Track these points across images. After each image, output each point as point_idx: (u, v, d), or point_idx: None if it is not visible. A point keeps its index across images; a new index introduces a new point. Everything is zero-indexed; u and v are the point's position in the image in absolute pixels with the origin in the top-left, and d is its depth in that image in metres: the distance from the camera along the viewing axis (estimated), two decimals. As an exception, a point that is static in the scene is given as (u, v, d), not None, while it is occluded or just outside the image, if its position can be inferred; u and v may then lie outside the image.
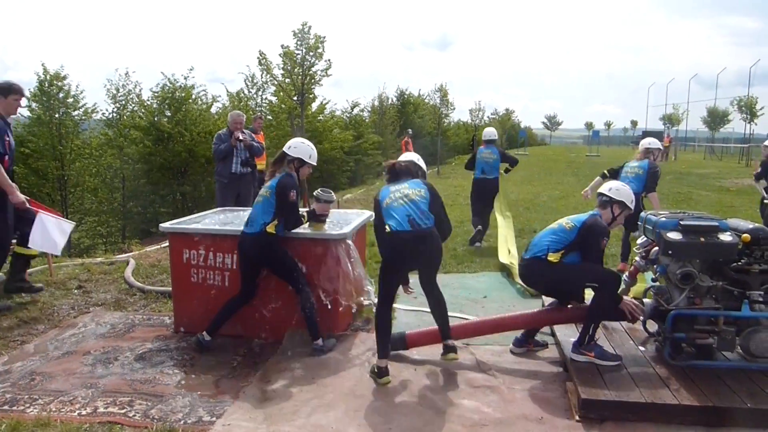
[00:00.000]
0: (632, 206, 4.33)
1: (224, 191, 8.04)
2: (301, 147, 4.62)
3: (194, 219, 5.57)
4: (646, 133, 54.75)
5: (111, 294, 6.12)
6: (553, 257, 4.13)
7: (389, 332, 4.16)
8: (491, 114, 59.22)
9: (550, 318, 4.53)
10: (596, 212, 4.31)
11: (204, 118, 15.59)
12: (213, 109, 18.85)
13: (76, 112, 16.50)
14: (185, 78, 17.38)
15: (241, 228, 4.58)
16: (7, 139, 5.37)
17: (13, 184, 5.37)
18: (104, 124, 17.47)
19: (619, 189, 4.32)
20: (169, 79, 16.77)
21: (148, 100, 17.06)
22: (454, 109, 38.43)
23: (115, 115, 17.39)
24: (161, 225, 5.17)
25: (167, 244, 6.05)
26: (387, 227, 4.02)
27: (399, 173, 4.34)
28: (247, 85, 22.20)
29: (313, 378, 4.08)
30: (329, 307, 4.66)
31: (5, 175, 5.24)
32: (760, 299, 3.93)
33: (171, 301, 5.37)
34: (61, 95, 16.13)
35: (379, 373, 3.98)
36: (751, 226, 4.02)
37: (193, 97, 17.40)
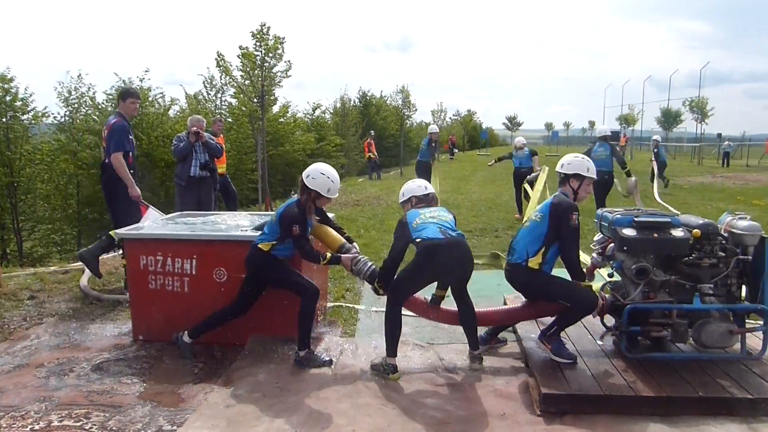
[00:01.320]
0: (591, 174, 4.27)
1: (183, 195, 7.89)
2: (320, 180, 4.27)
3: (152, 224, 5.47)
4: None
5: (66, 304, 5.95)
6: (533, 263, 4.12)
7: (400, 331, 4.21)
8: (453, 115, 59.83)
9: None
10: (557, 193, 4.31)
11: (162, 121, 15.27)
12: (171, 113, 18.51)
13: (25, 116, 15.97)
14: (141, 80, 17.03)
15: (200, 232, 4.51)
16: (131, 137, 6.06)
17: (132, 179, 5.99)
18: (56, 128, 16.96)
19: (570, 162, 4.31)
20: (124, 81, 16.42)
21: (102, 103, 16.65)
22: (416, 110, 38.62)
23: (67, 119, 16.86)
24: (116, 231, 5.05)
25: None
26: (418, 240, 4.10)
27: (430, 201, 4.50)
28: (206, 87, 21.89)
29: (277, 383, 4.04)
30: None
31: (127, 170, 5.90)
32: (711, 292, 4.07)
33: (129, 309, 5.25)
34: (8, 98, 15.62)
35: (392, 370, 4.09)
36: (701, 222, 4.15)
37: (150, 99, 17.07)
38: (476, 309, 4.39)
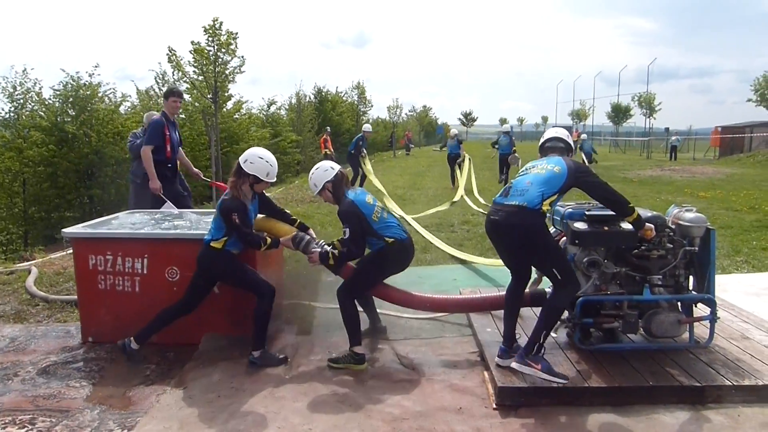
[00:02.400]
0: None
1: (138, 192, 7.67)
2: (258, 164, 4.20)
3: (101, 223, 5.31)
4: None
5: (11, 305, 5.73)
6: (546, 205, 3.76)
7: (359, 318, 4.31)
8: (409, 111, 60.03)
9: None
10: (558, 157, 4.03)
11: (112, 118, 14.86)
12: (122, 109, 18.04)
13: (-35, 113, 15.38)
14: (90, 75, 16.54)
15: (151, 230, 4.39)
16: (168, 134, 6.36)
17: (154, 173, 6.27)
18: (0, 124, 16.34)
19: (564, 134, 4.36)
20: (72, 76, 15.91)
21: (49, 99, 16.10)
22: (372, 106, 38.64)
23: (12, 115, 16.24)
24: (63, 230, 4.89)
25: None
26: (390, 239, 4.23)
27: (346, 180, 4.48)
28: (158, 83, 21.43)
29: (231, 382, 3.98)
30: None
31: (152, 163, 6.22)
32: (659, 283, 4.17)
33: (78, 311, 5.09)
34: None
35: (360, 360, 4.14)
36: (649, 215, 4.24)
37: (100, 95, 16.59)
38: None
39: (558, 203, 4.25)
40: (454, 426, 3.39)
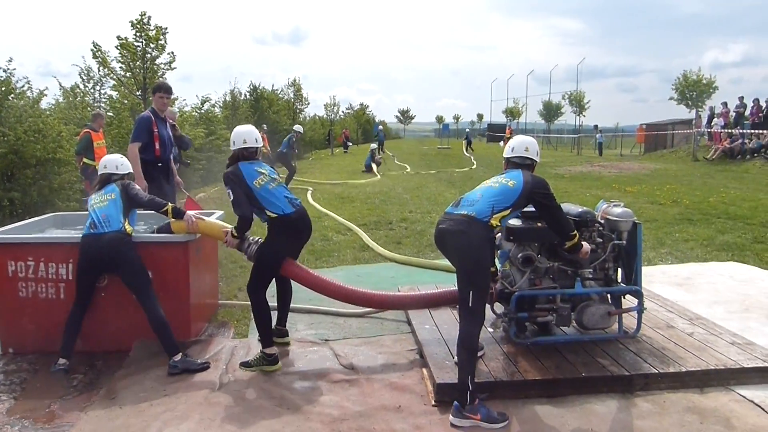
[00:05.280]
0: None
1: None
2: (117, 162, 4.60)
3: (22, 227, 5.03)
4: (492, 126, 58.16)
5: None
6: (496, 219, 3.60)
7: (270, 317, 4.26)
8: (346, 109, 59.93)
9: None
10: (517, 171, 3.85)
11: (30, 114, 14.07)
12: (44, 105, 17.19)
13: None
14: (4, 71, 15.68)
15: (76, 234, 4.20)
16: (155, 130, 6.01)
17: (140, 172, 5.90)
18: None
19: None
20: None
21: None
22: (309, 104, 38.27)
23: None
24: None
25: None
26: (273, 214, 4.15)
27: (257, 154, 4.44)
28: (83, 79, 20.59)
29: (164, 390, 3.84)
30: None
31: (138, 161, 5.87)
32: (590, 276, 4.30)
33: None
34: None
35: (273, 360, 4.10)
36: (580, 210, 4.37)
37: (18, 91, 15.71)
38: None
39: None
40: (394, 425, 3.39)
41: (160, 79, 12.61)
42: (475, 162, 25.46)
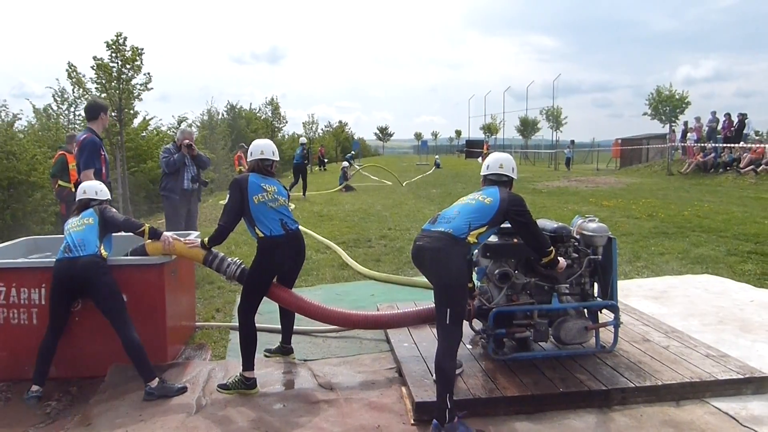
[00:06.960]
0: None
1: (176, 208, 7.28)
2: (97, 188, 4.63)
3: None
4: (470, 142, 58.60)
5: None
6: (473, 236, 3.60)
7: (256, 342, 4.18)
8: (325, 126, 60.06)
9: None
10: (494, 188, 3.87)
11: (4, 136, 13.94)
12: (18, 127, 17.00)
13: None
14: (-24, 93, 15.58)
15: (48, 258, 4.13)
16: (103, 153, 5.84)
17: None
18: None
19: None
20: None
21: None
22: (287, 122, 38.34)
23: None
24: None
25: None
26: (260, 233, 4.10)
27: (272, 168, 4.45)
28: (57, 101, 20.40)
29: (140, 415, 3.78)
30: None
31: None
32: (567, 291, 4.34)
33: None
34: None
35: (251, 385, 4.06)
36: (555, 226, 4.41)
37: (-7, 115, 15.55)
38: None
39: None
40: (373, 445, 3.36)
41: (135, 99, 12.54)
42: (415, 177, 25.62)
